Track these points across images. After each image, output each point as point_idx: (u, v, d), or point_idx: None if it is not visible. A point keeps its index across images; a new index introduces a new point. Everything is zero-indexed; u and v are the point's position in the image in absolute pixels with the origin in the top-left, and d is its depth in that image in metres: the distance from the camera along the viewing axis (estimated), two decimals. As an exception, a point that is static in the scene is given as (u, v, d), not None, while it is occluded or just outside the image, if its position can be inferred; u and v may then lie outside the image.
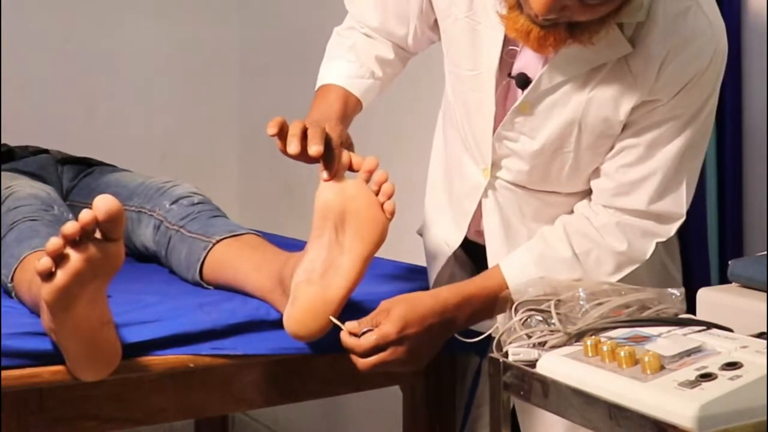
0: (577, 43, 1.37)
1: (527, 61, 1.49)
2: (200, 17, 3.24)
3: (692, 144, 1.46)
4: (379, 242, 1.41)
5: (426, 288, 1.66)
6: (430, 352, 1.47)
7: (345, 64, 1.64)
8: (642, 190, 1.47)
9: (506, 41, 1.48)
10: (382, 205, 1.41)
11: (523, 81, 1.48)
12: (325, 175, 1.43)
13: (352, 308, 1.45)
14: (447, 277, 1.67)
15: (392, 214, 1.41)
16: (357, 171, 1.44)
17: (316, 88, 1.64)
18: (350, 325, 1.41)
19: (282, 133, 1.40)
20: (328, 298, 1.39)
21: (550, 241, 1.50)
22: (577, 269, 1.48)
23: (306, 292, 1.39)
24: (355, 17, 1.71)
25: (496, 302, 1.41)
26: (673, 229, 1.50)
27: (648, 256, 1.50)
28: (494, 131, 1.52)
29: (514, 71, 1.50)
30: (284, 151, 1.41)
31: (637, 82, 1.42)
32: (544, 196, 1.56)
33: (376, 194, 1.42)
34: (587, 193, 1.55)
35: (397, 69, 1.72)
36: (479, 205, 1.59)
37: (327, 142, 1.42)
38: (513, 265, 1.50)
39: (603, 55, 1.42)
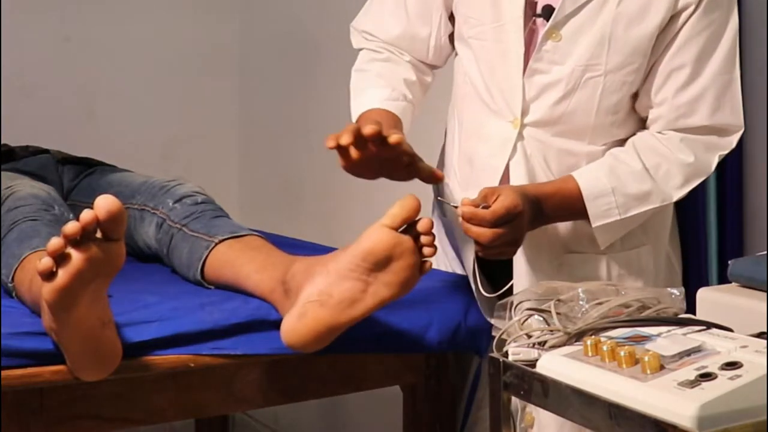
0: None
1: None
2: (201, 17, 3.24)
3: (731, 52, 1.54)
4: (403, 295, 1.41)
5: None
6: (523, 237, 1.48)
7: (377, 90, 1.67)
8: (701, 106, 1.53)
9: None
10: (421, 265, 1.40)
11: (549, 12, 1.54)
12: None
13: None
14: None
15: (425, 273, 1.41)
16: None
17: (354, 118, 1.65)
18: (466, 200, 1.43)
19: (340, 147, 1.40)
20: (336, 325, 1.39)
21: (620, 157, 1.56)
22: (647, 181, 1.53)
23: (317, 314, 1.38)
24: (374, 33, 1.74)
25: (572, 204, 1.51)
26: (734, 141, 1.57)
27: (712, 169, 1.57)
28: (524, 72, 1.56)
29: (539, 8, 1.55)
30: (346, 167, 1.43)
31: None
32: (569, 144, 1.59)
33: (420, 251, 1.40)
34: (609, 148, 1.59)
35: (419, 93, 1.74)
36: (506, 167, 1.60)
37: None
38: (585, 173, 1.55)
39: None
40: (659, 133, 1.57)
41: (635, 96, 1.59)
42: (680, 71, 1.53)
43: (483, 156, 1.65)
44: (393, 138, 1.39)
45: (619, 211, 1.53)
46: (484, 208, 1.42)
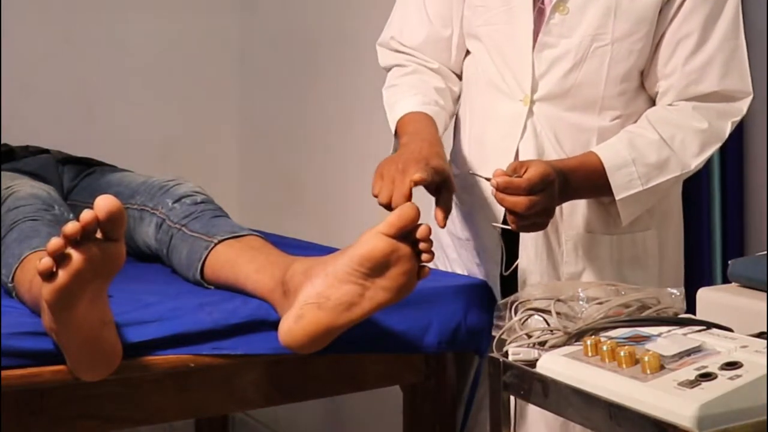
0: None
1: None
2: (200, 17, 3.24)
3: (735, 19, 1.59)
4: (400, 299, 1.41)
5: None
6: (555, 206, 1.51)
7: (411, 97, 1.70)
8: (710, 71, 1.58)
9: None
10: (418, 271, 1.40)
11: None
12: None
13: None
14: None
15: (423, 278, 1.42)
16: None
17: (393, 128, 1.68)
18: (499, 171, 1.44)
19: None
20: (333, 327, 1.39)
21: (637, 131, 1.59)
22: (665, 150, 1.57)
23: (315, 317, 1.38)
24: (400, 40, 1.78)
25: (595, 178, 1.54)
26: (743, 107, 1.60)
27: (726, 135, 1.59)
28: (533, 49, 1.60)
29: None
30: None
31: None
32: (579, 118, 1.62)
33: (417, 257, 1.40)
34: (620, 123, 1.61)
35: (450, 101, 1.76)
36: (517, 147, 1.62)
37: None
38: (604, 147, 1.58)
39: None
40: (670, 105, 1.60)
41: (643, 73, 1.61)
42: (687, 39, 1.57)
43: (493, 137, 1.67)
44: (416, 177, 1.42)
45: (641, 182, 1.55)
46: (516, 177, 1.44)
